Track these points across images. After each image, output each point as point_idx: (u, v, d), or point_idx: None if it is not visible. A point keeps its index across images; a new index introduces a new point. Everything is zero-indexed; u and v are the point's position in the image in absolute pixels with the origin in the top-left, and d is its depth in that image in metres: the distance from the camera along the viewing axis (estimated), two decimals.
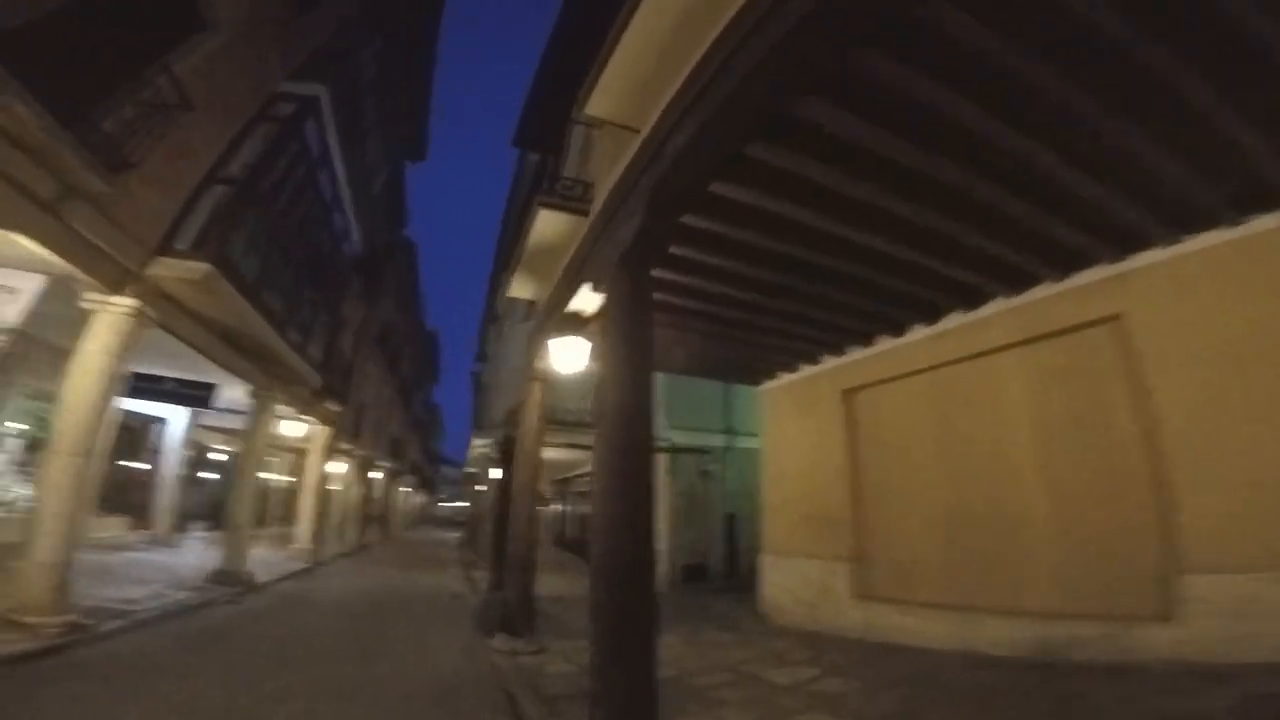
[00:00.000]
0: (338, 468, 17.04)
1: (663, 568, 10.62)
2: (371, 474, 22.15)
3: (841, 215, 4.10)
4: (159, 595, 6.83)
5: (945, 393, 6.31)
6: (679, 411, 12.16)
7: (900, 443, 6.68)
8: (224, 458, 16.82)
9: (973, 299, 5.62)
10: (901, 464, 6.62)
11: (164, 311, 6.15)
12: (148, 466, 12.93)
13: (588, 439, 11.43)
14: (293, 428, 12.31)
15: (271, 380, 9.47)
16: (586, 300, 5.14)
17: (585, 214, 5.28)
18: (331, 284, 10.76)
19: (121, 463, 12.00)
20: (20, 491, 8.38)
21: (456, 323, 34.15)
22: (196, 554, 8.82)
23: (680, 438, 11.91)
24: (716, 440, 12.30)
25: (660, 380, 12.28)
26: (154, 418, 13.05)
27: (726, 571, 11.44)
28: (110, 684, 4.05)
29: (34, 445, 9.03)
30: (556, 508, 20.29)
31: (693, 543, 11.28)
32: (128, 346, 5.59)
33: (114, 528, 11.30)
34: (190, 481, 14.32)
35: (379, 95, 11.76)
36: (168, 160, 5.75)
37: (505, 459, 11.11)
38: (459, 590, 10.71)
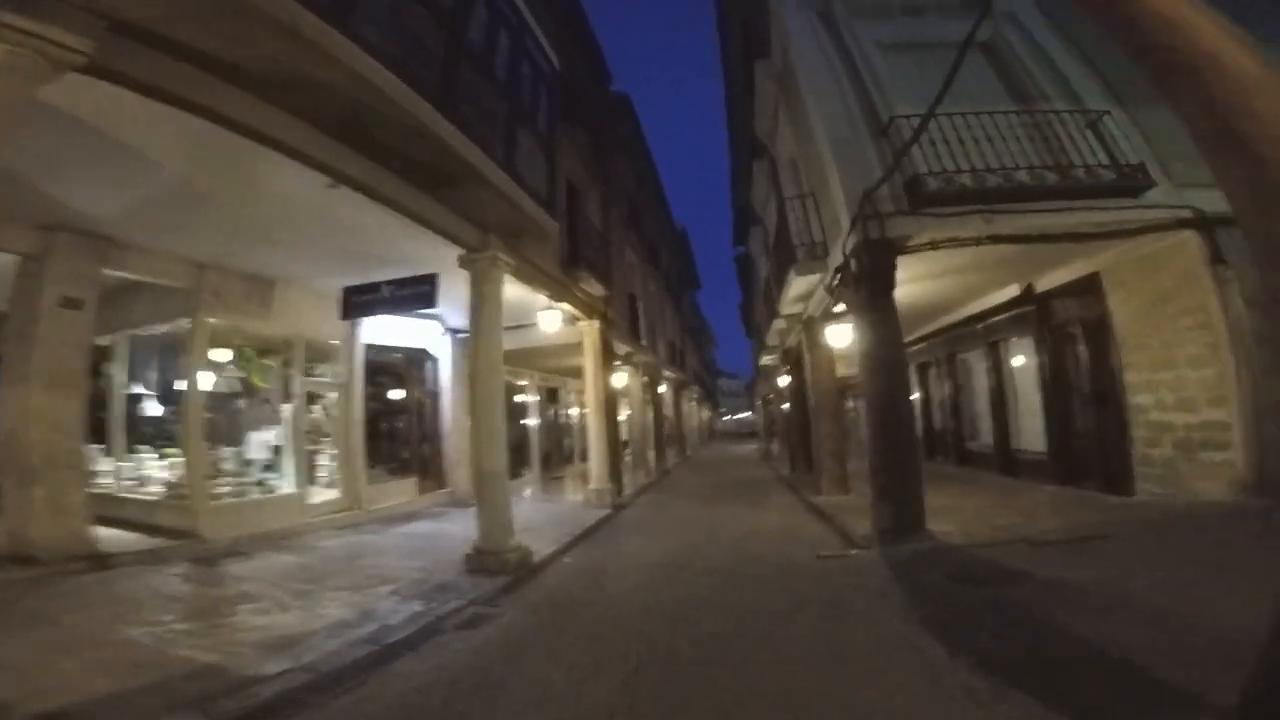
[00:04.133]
0: (622, 381, 13.98)
1: (1228, 457, 5.60)
2: (659, 388, 19.36)
3: None
4: (363, 618, 3.78)
5: None
6: (1193, 153, 5.27)
7: None
8: (525, 397, 15.26)
9: None
10: None
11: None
12: (425, 415, 11.14)
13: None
14: (551, 320, 8.60)
15: (485, 234, 5.80)
16: None
17: None
18: (523, 100, 6.37)
19: (392, 416, 10.33)
20: None
21: (696, 232, 30.15)
22: None
23: (1213, 201, 5.41)
24: None
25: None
26: (421, 353, 11.11)
27: None
28: None
29: None
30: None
31: None
32: None
33: (400, 493, 9.51)
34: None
35: None
36: None
37: (875, 281, 5.79)
38: (822, 541, 6.30)
